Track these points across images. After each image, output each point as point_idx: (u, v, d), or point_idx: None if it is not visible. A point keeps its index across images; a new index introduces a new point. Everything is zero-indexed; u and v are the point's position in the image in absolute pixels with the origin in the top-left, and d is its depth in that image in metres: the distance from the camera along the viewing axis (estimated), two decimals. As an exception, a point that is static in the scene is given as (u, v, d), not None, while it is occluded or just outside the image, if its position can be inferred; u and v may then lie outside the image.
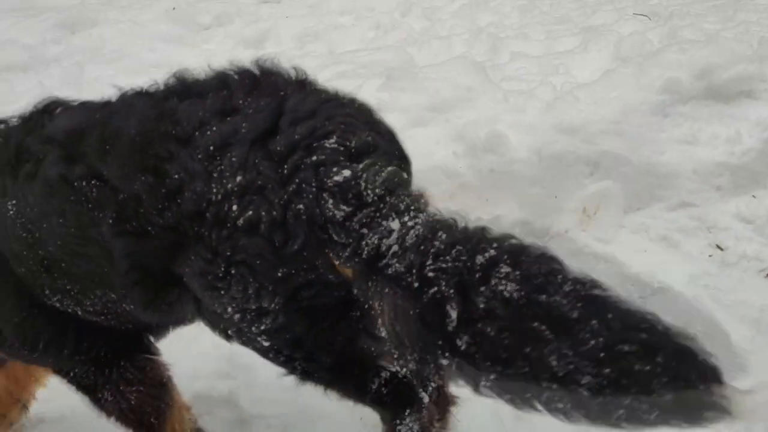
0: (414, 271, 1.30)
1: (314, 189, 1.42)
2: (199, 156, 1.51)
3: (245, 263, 1.49)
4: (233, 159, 1.47)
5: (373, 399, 1.75)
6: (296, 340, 1.63)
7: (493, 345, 1.22)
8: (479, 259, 1.27)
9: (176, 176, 1.53)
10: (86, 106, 1.84)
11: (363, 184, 1.42)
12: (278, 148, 1.47)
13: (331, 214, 1.41)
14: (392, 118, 3.22)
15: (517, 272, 1.24)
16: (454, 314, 1.24)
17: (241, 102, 1.56)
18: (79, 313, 1.86)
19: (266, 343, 1.66)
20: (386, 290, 1.35)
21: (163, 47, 6.49)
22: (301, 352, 1.67)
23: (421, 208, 1.43)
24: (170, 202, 1.54)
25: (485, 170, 3.15)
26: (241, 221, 1.46)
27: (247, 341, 1.70)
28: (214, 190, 1.48)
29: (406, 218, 1.38)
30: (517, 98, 3.24)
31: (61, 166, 1.70)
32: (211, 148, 1.50)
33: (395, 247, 1.35)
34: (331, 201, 1.42)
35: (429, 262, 1.30)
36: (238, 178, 1.46)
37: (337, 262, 1.46)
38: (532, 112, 3.23)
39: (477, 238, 1.33)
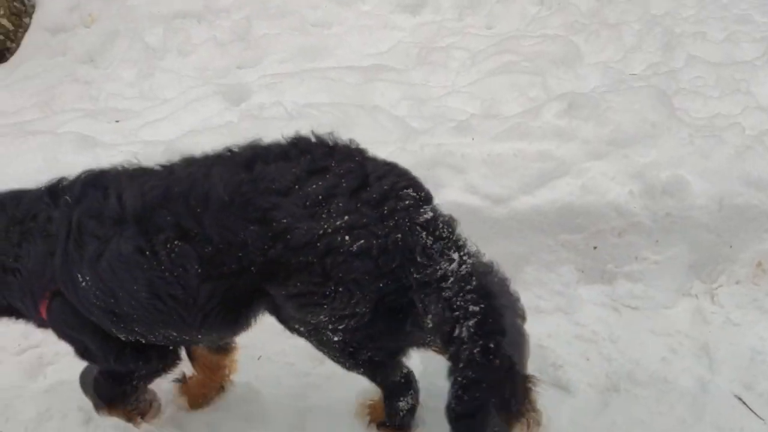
0: (455, 298, 1.98)
1: (408, 224, 2.02)
2: (306, 203, 2.01)
3: (356, 281, 2.04)
4: (340, 205, 2.01)
5: (391, 383, 2.47)
6: (372, 334, 2.20)
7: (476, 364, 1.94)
8: (489, 309, 1.98)
9: (283, 220, 2.01)
10: (142, 183, 2.20)
11: (440, 223, 2.06)
12: (374, 196, 2.03)
13: (422, 241, 2.02)
14: (570, 148, 3.25)
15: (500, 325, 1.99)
16: (465, 334, 1.95)
17: (329, 164, 2.08)
18: (140, 340, 2.37)
19: (337, 338, 2.22)
20: (438, 305, 2.00)
21: (325, 5, 6.62)
22: (371, 342, 2.25)
23: (467, 245, 2.09)
24: (276, 241, 2.02)
25: (660, 213, 3.11)
26: (354, 248, 2.00)
27: (317, 336, 2.26)
28: (325, 227, 1.99)
29: (462, 252, 2.04)
30: (703, 142, 3.13)
31: (138, 240, 2.12)
32: (320, 197, 2.02)
33: (452, 277, 2.00)
34: (424, 233, 2.03)
35: (462, 295, 1.98)
36: (346, 218, 1.99)
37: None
38: (718, 158, 3.12)
39: (497, 291, 2.04)
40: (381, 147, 3.01)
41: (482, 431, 1.95)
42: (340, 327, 2.18)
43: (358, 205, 2.02)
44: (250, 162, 2.13)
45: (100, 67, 6.28)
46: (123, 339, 2.34)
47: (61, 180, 2.38)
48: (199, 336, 2.37)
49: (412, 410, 2.60)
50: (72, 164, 2.81)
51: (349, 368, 2.44)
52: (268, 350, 3.07)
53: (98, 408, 2.61)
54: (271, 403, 2.88)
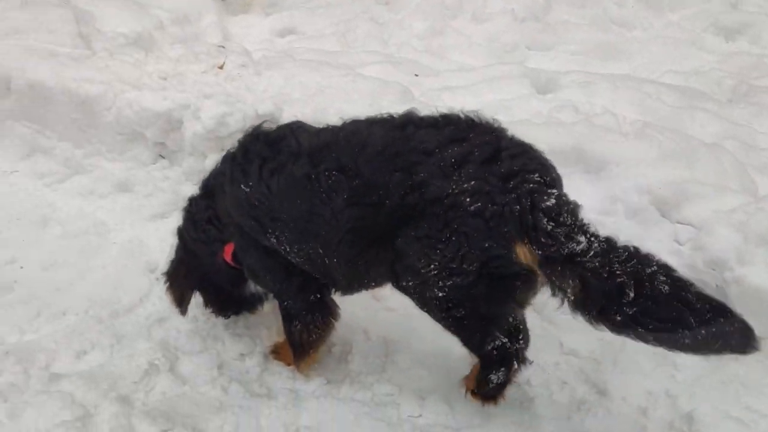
0: (606, 267, 2.18)
1: (529, 204, 2.26)
2: (442, 164, 2.37)
3: (466, 234, 2.35)
4: (470, 171, 2.34)
5: (485, 353, 2.67)
6: (472, 294, 2.48)
7: (649, 314, 2.14)
8: (647, 269, 2.18)
9: (422, 174, 2.39)
10: (319, 132, 2.73)
11: (563, 210, 2.28)
12: (502, 170, 2.32)
13: (543, 225, 2.24)
14: None
15: (668, 279, 2.16)
16: (631, 294, 2.14)
17: (468, 135, 2.42)
18: (294, 260, 2.77)
19: (441, 294, 2.51)
20: (581, 274, 2.21)
21: (631, 4, 6.24)
22: (469, 303, 2.52)
23: (592, 229, 2.29)
24: (414, 190, 2.40)
25: None
26: (472, 208, 2.31)
27: (423, 290, 2.55)
28: (454, 187, 2.33)
29: (588, 235, 2.25)
30: None
31: (307, 168, 2.57)
32: (453, 160, 2.36)
33: (589, 252, 2.21)
34: (545, 219, 2.25)
35: (615, 264, 2.18)
36: (473, 183, 2.32)
37: (529, 252, 2.28)
38: None
39: (642, 255, 2.23)
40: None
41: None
42: (446, 283, 2.49)
43: (485, 174, 2.33)
44: (404, 125, 2.55)
45: (394, 11, 6.43)
46: (285, 259, 2.79)
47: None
48: (334, 259, 2.70)
49: (502, 385, 2.81)
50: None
51: (446, 327, 2.70)
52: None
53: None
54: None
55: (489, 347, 2.66)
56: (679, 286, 2.17)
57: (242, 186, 2.75)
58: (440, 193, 2.36)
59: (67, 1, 4.99)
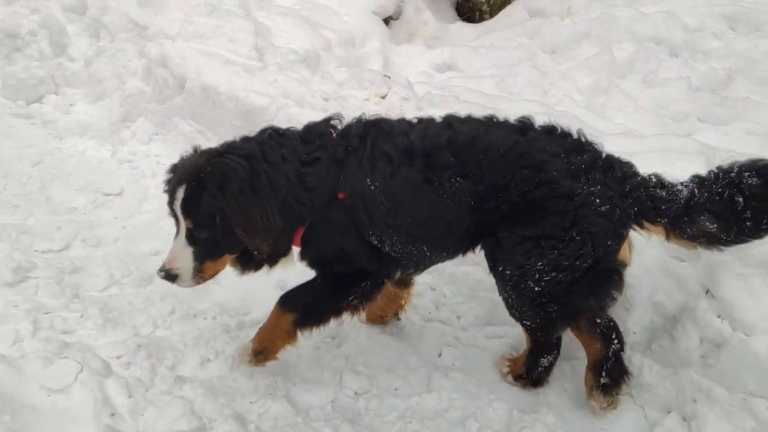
0: (710, 194, 2.60)
1: (645, 197, 2.65)
2: (571, 167, 2.61)
3: (592, 233, 2.60)
4: (596, 176, 2.63)
5: (546, 341, 3.00)
6: (571, 290, 2.71)
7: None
8: (735, 178, 2.60)
9: (553, 173, 2.61)
10: (423, 129, 2.79)
11: (664, 184, 2.71)
12: (618, 174, 2.66)
13: (659, 202, 2.64)
14: None
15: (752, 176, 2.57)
16: (740, 200, 2.55)
17: (586, 148, 2.72)
18: (389, 251, 2.84)
19: (537, 288, 2.71)
20: (703, 209, 2.59)
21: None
22: (564, 297, 2.72)
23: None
24: (542, 186, 2.60)
25: None
26: (602, 209, 2.59)
27: (520, 281, 2.73)
28: (582, 188, 2.58)
29: (681, 185, 2.69)
30: None
31: (426, 172, 2.67)
32: (582, 165, 2.63)
33: (694, 194, 2.64)
34: (658, 199, 2.65)
35: (713, 187, 2.63)
36: (599, 187, 2.60)
37: (655, 225, 2.70)
38: None
39: (723, 171, 2.68)
40: None
41: None
42: (548, 277, 2.68)
43: (608, 180, 2.63)
44: (524, 129, 2.75)
45: (558, 61, 6.22)
46: (373, 244, 2.82)
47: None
48: (443, 254, 2.94)
49: (549, 367, 3.09)
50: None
51: (525, 319, 2.88)
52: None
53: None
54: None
55: (555, 336, 2.96)
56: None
57: (368, 181, 2.73)
58: (571, 191, 2.58)
59: (249, 13, 5.22)
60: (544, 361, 3.05)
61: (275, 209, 2.69)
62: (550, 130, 2.74)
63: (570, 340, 3.17)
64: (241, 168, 2.66)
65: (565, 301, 2.73)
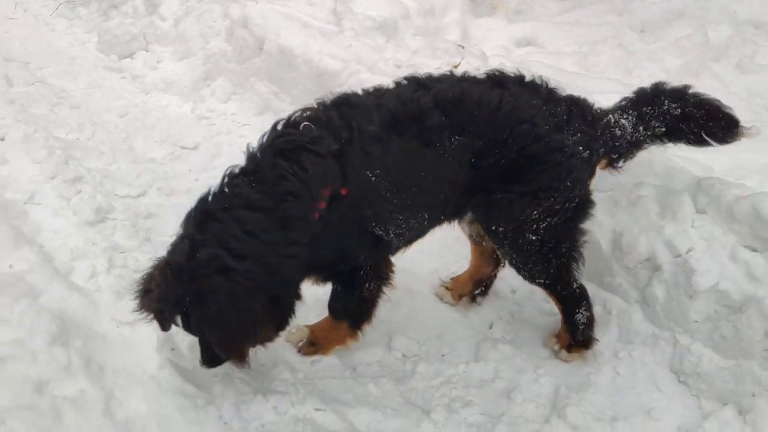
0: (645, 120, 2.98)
1: (609, 141, 2.90)
2: (556, 120, 2.74)
3: (580, 178, 2.81)
4: (576, 125, 2.78)
5: (570, 293, 3.04)
6: (569, 229, 2.90)
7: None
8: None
9: (545, 127, 2.71)
10: (399, 94, 2.71)
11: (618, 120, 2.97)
12: (589, 119, 2.85)
13: (618, 146, 2.94)
14: None
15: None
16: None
17: (559, 97, 2.86)
18: (388, 234, 2.73)
19: (535, 237, 2.82)
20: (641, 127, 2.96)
21: None
22: (567, 238, 2.91)
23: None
24: (538, 140, 2.69)
25: None
26: (585, 155, 2.79)
27: (516, 237, 2.83)
28: (568, 138, 2.74)
29: (625, 121, 2.97)
30: None
31: (422, 137, 2.60)
32: (564, 118, 2.78)
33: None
34: (618, 143, 2.93)
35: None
36: (579, 135, 2.77)
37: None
38: None
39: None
40: None
41: None
42: (544, 225, 2.78)
43: (584, 127, 2.78)
44: (500, 83, 2.79)
45: (647, 40, 5.94)
46: (377, 235, 2.71)
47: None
48: (440, 219, 2.91)
49: (590, 323, 3.09)
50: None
51: (536, 275, 2.98)
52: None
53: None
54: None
55: (575, 285, 3.01)
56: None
57: (368, 173, 2.55)
58: (563, 143, 2.70)
59: (331, -22, 5.28)
60: (581, 318, 3.05)
61: (264, 306, 2.50)
62: (521, 82, 2.83)
63: (623, 325, 3.11)
64: (217, 287, 2.39)
65: (564, 242, 2.89)
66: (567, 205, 2.79)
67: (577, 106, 2.84)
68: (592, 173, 2.90)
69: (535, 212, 2.76)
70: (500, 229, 2.82)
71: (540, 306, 3.46)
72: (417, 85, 2.74)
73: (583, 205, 2.89)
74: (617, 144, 2.91)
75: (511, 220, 2.78)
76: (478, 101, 2.66)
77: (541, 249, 2.85)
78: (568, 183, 2.75)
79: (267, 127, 2.68)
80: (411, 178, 2.64)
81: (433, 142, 2.61)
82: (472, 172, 2.70)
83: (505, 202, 2.75)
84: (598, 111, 2.94)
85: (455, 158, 2.65)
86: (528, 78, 2.86)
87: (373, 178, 2.56)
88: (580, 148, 2.75)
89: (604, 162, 2.97)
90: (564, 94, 2.89)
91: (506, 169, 2.70)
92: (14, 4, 6.73)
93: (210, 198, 2.52)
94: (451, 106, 2.64)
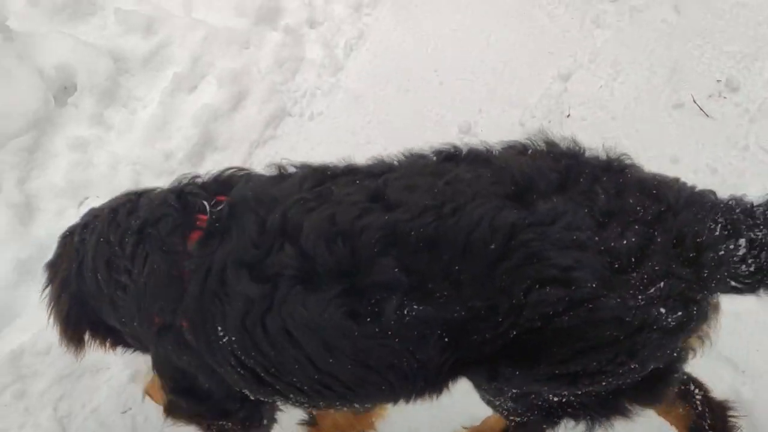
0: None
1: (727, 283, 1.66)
2: (615, 264, 1.52)
3: (655, 357, 1.65)
4: (656, 267, 1.53)
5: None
6: (615, 400, 1.81)
7: None
8: None
9: (588, 284, 1.51)
10: (334, 208, 1.61)
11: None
12: (690, 254, 1.57)
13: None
14: None
15: None
16: None
17: (625, 201, 1.59)
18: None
19: (556, 399, 1.82)
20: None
21: None
22: (602, 407, 1.83)
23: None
24: (574, 308, 1.53)
25: None
26: (670, 320, 1.56)
27: (526, 401, 1.85)
28: (637, 298, 1.53)
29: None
30: None
31: (347, 301, 1.59)
32: (631, 255, 1.53)
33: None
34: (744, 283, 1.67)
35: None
36: (662, 284, 1.54)
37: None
38: None
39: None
40: None
41: None
42: (579, 392, 1.77)
43: (674, 266, 1.56)
44: (523, 191, 1.58)
45: None
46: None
47: (193, 178, 1.85)
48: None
49: None
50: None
51: (515, 416, 1.99)
52: None
53: None
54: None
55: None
56: None
57: (219, 329, 1.71)
58: (621, 310, 1.53)
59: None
60: None
61: None
62: (560, 180, 1.61)
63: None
64: None
65: (591, 411, 1.88)
66: (627, 380, 1.72)
67: (666, 222, 1.59)
68: (689, 334, 1.71)
69: (565, 392, 1.80)
70: (506, 406, 1.95)
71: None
72: (373, 187, 1.64)
73: (655, 377, 1.76)
74: (742, 285, 1.70)
75: (538, 395, 1.85)
76: (466, 241, 1.53)
77: (558, 409, 1.90)
78: (632, 365, 1.65)
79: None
80: (304, 361, 1.65)
81: (360, 314, 1.57)
82: (453, 355, 1.64)
83: (523, 381, 1.74)
84: (713, 230, 1.63)
85: (410, 337, 1.59)
86: (567, 147, 1.74)
87: (224, 340, 1.69)
88: (662, 311, 1.56)
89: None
90: (647, 188, 1.65)
91: (519, 342, 1.60)
92: None
93: None
94: (414, 249, 1.54)
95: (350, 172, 1.75)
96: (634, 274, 1.53)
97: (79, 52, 3.50)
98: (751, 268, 1.64)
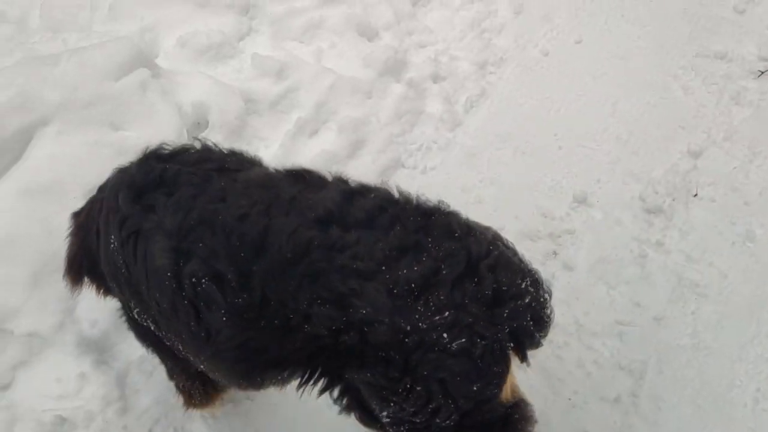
0: None
1: (532, 333, 1.79)
2: (395, 292, 1.68)
3: (443, 381, 1.71)
4: (441, 298, 1.68)
5: None
6: None
7: None
8: None
9: (362, 311, 1.69)
10: (197, 187, 1.95)
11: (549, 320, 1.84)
12: (486, 293, 1.71)
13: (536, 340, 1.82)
14: None
15: None
16: None
17: (424, 240, 1.75)
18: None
19: None
20: None
21: None
22: None
23: None
24: (351, 330, 1.72)
25: None
26: (454, 346, 1.67)
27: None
28: (419, 324, 1.67)
29: None
30: None
31: (170, 256, 1.90)
32: (413, 286, 1.69)
33: None
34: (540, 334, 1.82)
35: None
36: (446, 314, 1.67)
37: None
38: None
39: None
40: None
41: None
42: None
43: (465, 301, 1.70)
44: (326, 219, 1.80)
45: None
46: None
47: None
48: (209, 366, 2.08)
49: None
50: None
51: None
52: None
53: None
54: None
55: None
56: None
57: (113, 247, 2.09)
58: (395, 334, 1.68)
59: None
60: None
61: None
62: (368, 219, 1.80)
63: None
64: None
65: None
66: (439, 421, 1.77)
67: (456, 262, 1.73)
68: (492, 375, 1.76)
69: (385, 412, 1.85)
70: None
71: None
72: (229, 177, 2.02)
73: (475, 426, 1.81)
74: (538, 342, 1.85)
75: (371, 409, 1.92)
76: (261, 242, 1.81)
77: None
78: (416, 386, 1.73)
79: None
80: (152, 288, 1.99)
81: (174, 271, 1.91)
82: (237, 332, 1.88)
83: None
84: (519, 281, 1.77)
85: (199, 304, 1.90)
86: (400, 200, 1.90)
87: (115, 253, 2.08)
88: (444, 336, 1.67)
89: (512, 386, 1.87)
90: (449, 228, 1.81)
91: (332, 350, 1.81)
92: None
93: None
94: (217, 234, 1.86)
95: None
96: (417, 305, 1.68)
97: (215, 92, 3.73)
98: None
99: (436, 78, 4.22)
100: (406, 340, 1.69)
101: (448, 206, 1.92)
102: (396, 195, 1.92)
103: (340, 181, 1.99)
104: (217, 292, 1.83)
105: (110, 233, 2.04)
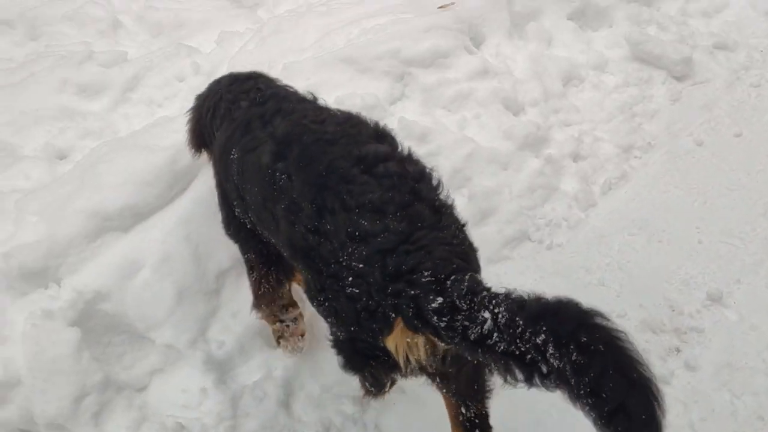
0: (514, 345, 1.73)
1: (413, 310, 1.92)
2: (359, 210, 2.13)
3: (337, 309, 2.14)
4: (364, 252, 2.05)
5: None
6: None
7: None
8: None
9: (330, 227, 2.17)
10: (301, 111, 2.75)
11: (456, 300, 1.87)
12: (390, 268, 1.99)
13: (436, 323, 1.88)
14: None
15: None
16: (545, 369, 1.68)
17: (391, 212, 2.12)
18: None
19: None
20: (497, 358, 1.78)
21: None
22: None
23: (493, 291, 1.89)
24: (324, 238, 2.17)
25: None
26: (349, 291, 2.06)
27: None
28: (345, 257, 2.07)
29: (491, 307, 1.80)
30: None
31: (271, 157, 2.49)
32: (357, 233, 2.08)
33: (495, 331, 1.78)
34: (435, 317, 1.88)
35: (520, 340, 1.72)
36: (361, 266, 2.04)
37: (442, 344, 1.96)
38: None
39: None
40: None
41: None
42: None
43: (376, 264, 2.02)
44: (358, 162, 2.29)
45: None
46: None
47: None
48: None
49: None
50: None
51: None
52: None
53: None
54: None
55: None
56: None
57: (233, 150, 2.75)
58: (333, 257, 2.10)
59: None
60: None
61: None
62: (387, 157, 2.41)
63: None
64: None
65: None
66: (336, 330, 2.27)
67: (395, 231, 2.07)
68: (367, 328, 2.07)
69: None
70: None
71: None
72: (319, 113, 2.73)
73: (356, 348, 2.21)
74: (437, 324, 1.92)
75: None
76: (330, 164, 2.31)
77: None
78: (325, 302, 2.21)
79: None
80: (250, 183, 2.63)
81: (272, 169, 2.46)
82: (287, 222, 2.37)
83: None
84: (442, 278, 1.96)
85: (279, 194, 2.44)
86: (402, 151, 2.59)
87: (233, 156, 2.73)
88: (349, 278, 2.09)
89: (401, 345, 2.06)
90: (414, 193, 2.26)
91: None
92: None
93: None
94: (300, 147, 2.45)
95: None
96: (353, 243, 2.07)
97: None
98: (442, 324, 1.86)
99: (576, 157, 4.23)
100: (333, 265, 2.10)
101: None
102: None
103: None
104: (290, 186, 2.33)
105: (233, 132, 2.76)
